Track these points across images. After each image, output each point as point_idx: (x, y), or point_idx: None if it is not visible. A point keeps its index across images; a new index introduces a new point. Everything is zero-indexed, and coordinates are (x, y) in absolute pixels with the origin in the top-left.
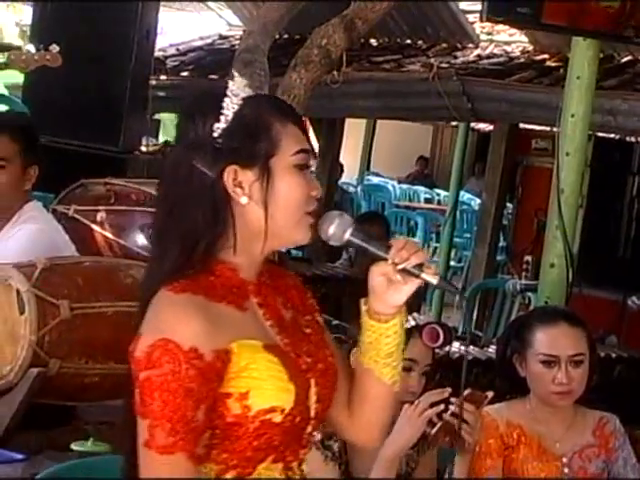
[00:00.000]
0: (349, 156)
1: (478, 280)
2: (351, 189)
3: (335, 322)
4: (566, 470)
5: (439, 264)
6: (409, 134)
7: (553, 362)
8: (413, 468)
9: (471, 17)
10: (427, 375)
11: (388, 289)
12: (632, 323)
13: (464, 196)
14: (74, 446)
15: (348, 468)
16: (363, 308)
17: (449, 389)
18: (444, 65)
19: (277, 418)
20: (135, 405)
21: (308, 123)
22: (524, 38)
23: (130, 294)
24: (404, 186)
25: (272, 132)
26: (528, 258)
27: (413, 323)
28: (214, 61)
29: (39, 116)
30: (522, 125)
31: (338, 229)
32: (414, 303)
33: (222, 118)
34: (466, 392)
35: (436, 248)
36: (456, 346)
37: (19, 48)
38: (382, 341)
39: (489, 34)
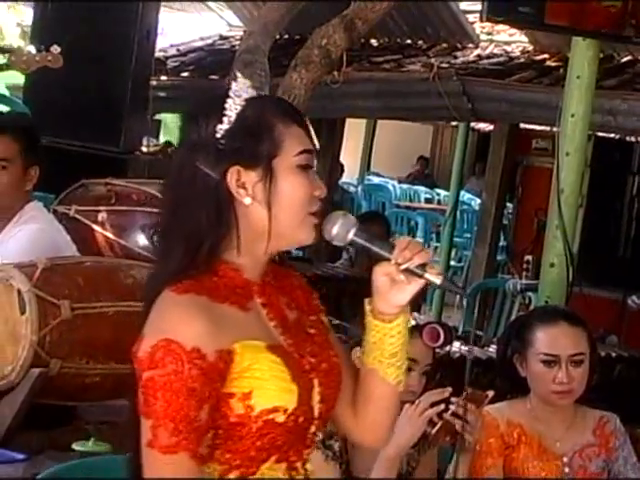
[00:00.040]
0: (349, 156)
1: (478, 280)
2: (351, 189)
3: (335, 322)
4: (566, 469)
5: (439, 264)
6: (409, 134)
7: (553, 362)
8: (414, 467)
9: (471, 17)
10: (427, 375)
11: (392, 289)
12: (632, 322)
13: (464, 196)
14: (75, 446)
15: (349, 467)
16: (367, 308)
17: (449, 389)
18: (444, 65)
19: (280, 418)
20: (138, 405)
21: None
22: (524, 38)
23: (131, 294)
24: (404, 186)
25: (275, 133)
26: (528, 258)
27: (413, 323)
28: (215, 61)
29: (40, 117)
30: (522, 125)
31: (342, 229)
32: (414, 303)
33: (225, 119)
34: (467, 392)
35: (436, 248)
36: (456, 346)
37: (20, 49)
38: (386, 341)
39: (489, 34)
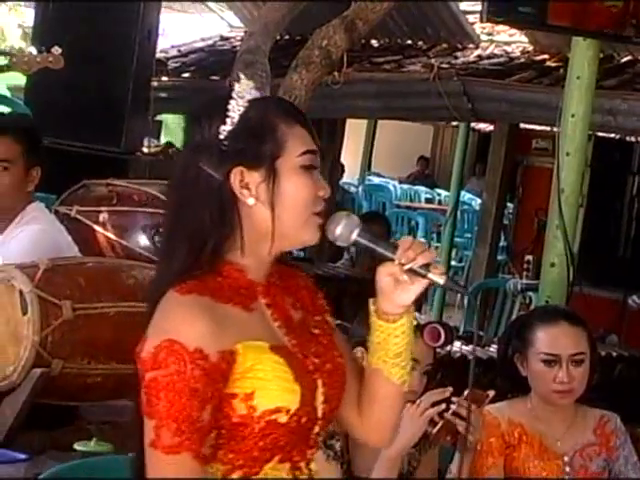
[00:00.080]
0: (350, 156)
1: (479, 280)
2: (352, 189)
3: (337, 322)
4: (567, 469)
5: (441, 264)
6: (410, 134)
7: (554, 361)
8: (415, 467)
9: (471, 17)
10: (428, 374)
11: (395, 289)
12: (632, 322)
13: (465, 196)
14: (77, 446)
15: (350, 467)
16: (372, 308)
17: (450, 388)
18: (444, 65)
19: (282, 419)
20: (141, 406)
21: None
22: (524, 38)
23: (132, 295)
24: (405, 186)
25: (278, 133)
26: (529, 258)
27: (414, 322)
28: (215, 62)
29: (41, 118)
30: (522, 125)
31: (345, 229)
32: (417, 302)
33: (228, 120)
34: (467, 391)
35: (437, 248)
36: (457, 345)
37: (21, 50)
38: (391, 341)
39: (489, 34)
